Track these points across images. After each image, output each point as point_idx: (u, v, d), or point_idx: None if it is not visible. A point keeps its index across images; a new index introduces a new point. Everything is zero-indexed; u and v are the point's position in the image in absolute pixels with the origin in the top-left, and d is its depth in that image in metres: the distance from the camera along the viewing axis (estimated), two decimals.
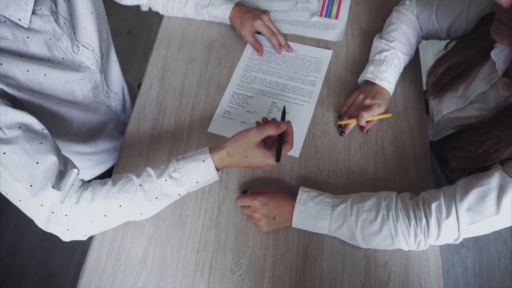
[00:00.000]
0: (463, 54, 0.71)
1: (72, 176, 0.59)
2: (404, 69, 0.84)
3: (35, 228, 0.62)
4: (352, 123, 0.79)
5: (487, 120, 0.63)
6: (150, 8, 0.96)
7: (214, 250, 0.72)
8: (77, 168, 0.62)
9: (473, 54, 0.69)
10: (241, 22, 0.90)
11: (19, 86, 0.59)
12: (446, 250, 1.51)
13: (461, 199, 0.60)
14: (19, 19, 0.57)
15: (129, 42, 2.03)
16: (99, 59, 0.76)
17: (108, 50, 0.83)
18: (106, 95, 0.83)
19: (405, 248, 0.65)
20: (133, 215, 0.63)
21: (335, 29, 0.94)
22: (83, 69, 0.72)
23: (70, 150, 0.82)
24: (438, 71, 0.74)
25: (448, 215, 0.60)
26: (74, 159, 0.66)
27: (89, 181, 0.63)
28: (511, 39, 0.54)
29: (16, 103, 0.58)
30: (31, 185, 0.55)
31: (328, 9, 0.98)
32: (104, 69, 0.80)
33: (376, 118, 0.78)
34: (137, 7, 0.95)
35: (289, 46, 0.91)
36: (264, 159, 0.65)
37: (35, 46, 0.61)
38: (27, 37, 0.59)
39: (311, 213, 0.68)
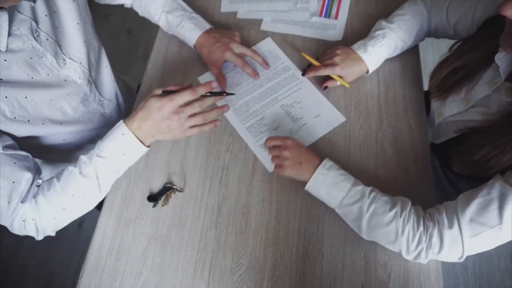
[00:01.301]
0: (467, 56, 0.70)
1: (34, 186, 0.64)
2: (404, 69, 0.85)
3: None
4: (315, 64, 0.83)
5: (489, 125, 0.62)
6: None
7: (214, 250, 0.72)
8: (41, 179, 0.66)
9: (477, 57, 0.69)
10: (209, 52, 0.84)
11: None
12: None
13: (463, 210, 0.59)
14: None
15: (129, 42, 2.03)
16: (87, 71, 0.75)
17: (99, 57, 0.81)
18: (100, 103, 0.82)
19: (404, 252, 0.64)
20: (89, 200, 0.68)
21: (334, 29, 0.94)
22: (69, 84, 0.71)
23: (64, 159, 0.83)
24: (442, 73, 0.74)
25: (450, 227, 0.60)
26: (73, 163, 0.66)
27: (38, 185, 0.66)
28: None
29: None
30: (8, 202, 0.60)
31: (327, 9, 0.98)
32: (94, 79, 0.79)
33: (335, 79, 0.82)
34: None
35: (267, 63, 0.89)
36: (164, 104, 0.62)
37: (15, 67, 0.60)
38: (5, 60, 0.58)
39: (331, 181, 0.67)
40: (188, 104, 0.64)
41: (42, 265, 1.55)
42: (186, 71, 0.91)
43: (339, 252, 0.70)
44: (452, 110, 0.74)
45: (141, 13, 0.92)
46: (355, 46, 0.81)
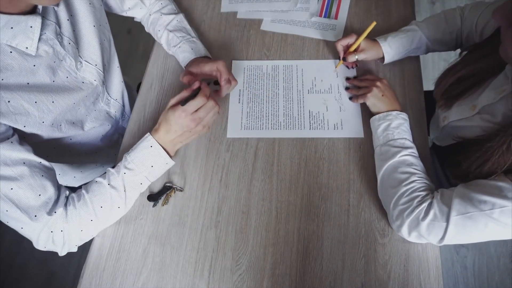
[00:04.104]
0: (474, 66, 0.70)
1: (62, 198, 0.64)
2: (404, 69, 0.84)
3: None
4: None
5: (488, 136, 0.62)
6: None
7: (214, 249, 0.72)
8: (67, 190, 0.67)
9: (485, 67, 0.68)
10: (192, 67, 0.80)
11: (27, 122, 0.61)
12: (446, 249, 1.51)
13: (459, 189, 0.60)
14: (26, 47, 0.57)
15: (129, 42, 2.03)
16: (101, 72, 0.75)
17: (110, 58, 0.82)
18: (106, 102, 0.82)
19: (392, 205, 0.66)
20: (115, 213, 0.69)
21: (334, 29, 0.95)
22: (87, 86, 0.72)
23: (71, 160, 0.83)
24: (448, 81, 0.74)
25: (443, 202, 0.60)
26: (75, 163, 0.67)
27: (67, 197, 0.67)
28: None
29: (20, 137, 0.60)
30: (35, 215, 0.60)
31: (327, 9, 0.98)
32: (105, 79, 0.79)
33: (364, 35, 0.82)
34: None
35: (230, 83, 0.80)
36: (180, 115, 0.67)
37: (42, 72, 0.61)
38: (34, 65, 0.59)
39: (396, 124, 0.73)
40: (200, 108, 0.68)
41: (42, 265, 1.55)
42: None
43: (339, 252, 0.71)
44: (458, 115, 0.74)
45: (146, 29, 0.94)
46: (380, 37, 0.85)
